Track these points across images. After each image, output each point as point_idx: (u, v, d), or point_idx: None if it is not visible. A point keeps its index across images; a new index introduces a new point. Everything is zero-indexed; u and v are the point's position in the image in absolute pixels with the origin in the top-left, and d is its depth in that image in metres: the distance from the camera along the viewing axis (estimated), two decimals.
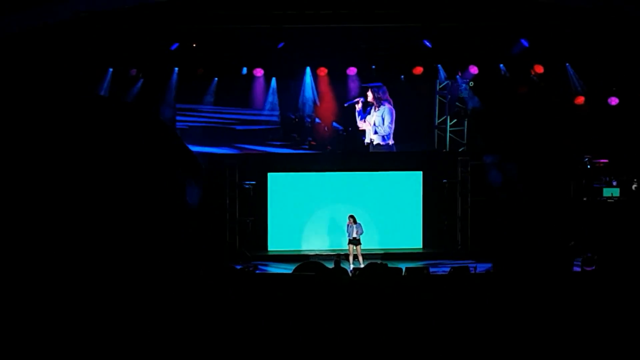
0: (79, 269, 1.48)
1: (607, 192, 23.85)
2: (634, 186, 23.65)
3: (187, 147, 1.67)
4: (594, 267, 19.40)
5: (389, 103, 24.18)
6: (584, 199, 24.01)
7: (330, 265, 19.48)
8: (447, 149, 25.48)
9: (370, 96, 24.13)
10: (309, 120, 25.10)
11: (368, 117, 24.27)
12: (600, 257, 19.05)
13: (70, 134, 1.51)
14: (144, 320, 1.57)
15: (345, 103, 24.44)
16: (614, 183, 23.86)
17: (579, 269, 19.51)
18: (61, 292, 1.49)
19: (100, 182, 1.47)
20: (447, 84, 25.16)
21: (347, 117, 24.87)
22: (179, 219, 1.61)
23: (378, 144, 24.25)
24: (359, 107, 24.20)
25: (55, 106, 1.53)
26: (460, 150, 25.41)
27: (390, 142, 24.27)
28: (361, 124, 24.43)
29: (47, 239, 1.46)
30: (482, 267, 18.35)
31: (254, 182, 24.82)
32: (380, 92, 24.06)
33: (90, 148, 1.50)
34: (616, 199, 23.73)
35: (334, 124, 25.04)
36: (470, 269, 16.13)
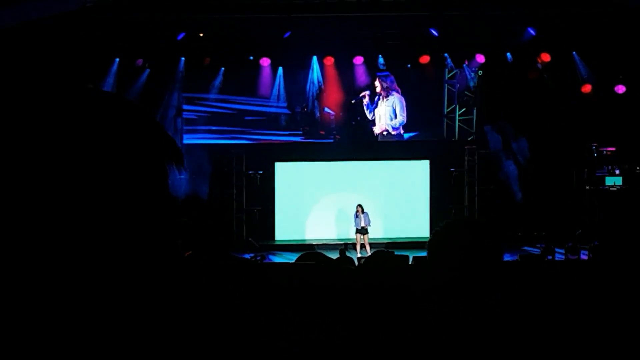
0: (71, 266, 1.48)
1: (609, 180, 23.82)
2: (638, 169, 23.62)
3: (167, 132, 1.66)
4: (576, 257, 19.42)
5: (398, 92, 24.14)
6: (587, 187, 24.00)
7: (336, 254, 19.52)
8: (456, 138, 25.44)
9: (378, 86, 24.07)
10: (317, 109, 25.06)
11: (377, 108, 24.23)
12: (600, 246, 19.01)
13: (46, 124, 1.50)
14: (136, 317, 1.56)
15: (353, 99, 24.41)
16: (617, 172, 23.84)
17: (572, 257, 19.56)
18: (49, 285, 1.49)
19: (82, 174, 1.46)
20: (456, 72, 25.11)
21: (354, 107, 24.83)
22: (166, 210, 1.60)
23: (389, 134, 24.22)
24: (366, 100, 24.16)
25: (32, 98, 1.53)
26: (469, 139, 25.37)
27: (401, 131, 24.26)
28: (371, 116, 24.40)
29: (35, 236, 1.46)
30: None
31: (261, 172, 24.84)
32: (388, 82, 24.03)
33: (68, 139, 1.49)
34: (619, 187, 23.69)
35: (341, 113, 25.01)
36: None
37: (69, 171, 1.38)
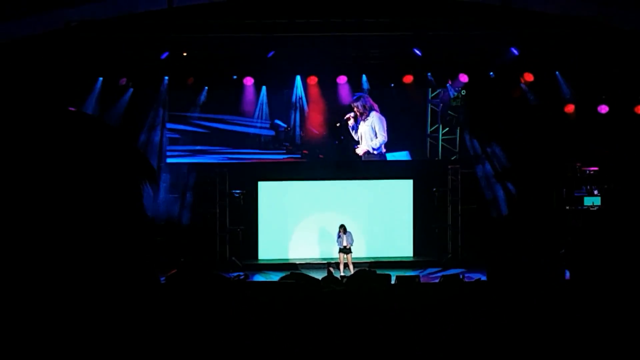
0: (49, 282, 1.47)
1: (588, 200, 23.93)
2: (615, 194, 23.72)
3: (141, 152, 1.65)
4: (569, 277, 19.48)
5: (376, 111, 24.10)
6: (567, 207, 24.07)
7: (322, 274, 19.49)
8: (440, 158, 25.49)
9: (355, 109, 24.02)
10: (300, 128, 25.06)
11: (359, 128, 24.24)
12: (566, 253, 19.10)
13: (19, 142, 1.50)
14: (110, 331, 1.55)
15: (337, 122, 24.40)
16: (595, 192, 23.93)
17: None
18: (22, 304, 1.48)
19: (52, 189, 1.46)
20: (439, 92, 25.18)
21: (338, 126, 24.84)
22: (139, 228, 1.59)
23: (371, 153, 24.20)
24: (351, 122, 24.12)
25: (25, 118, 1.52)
26: (452, 158, 25.44)
27: (383, 150, 24.25)
28: (357, 137, 24.39)
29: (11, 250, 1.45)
30: (473, 276, 18.38)
31: (244, 191, 24.81)
32: (362, 102, 23.97)
33: (41, 156, 1.48)
34: (597, 207, 23.78)
35: (325, 132, 25.01)
36: (462, 277, 16.17)
37: (42, 190, 1.37)
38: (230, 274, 20.84)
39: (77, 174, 1.47)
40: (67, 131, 1.52)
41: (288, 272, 21.71)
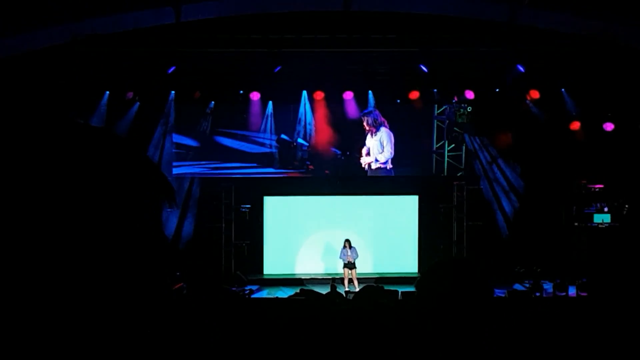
0: (66, 296, 1.49)
1: (597, 217, 23.90)
2: (625, 211, 23.72)
3: (159, 169, 1.67)
4: (564, 294, 19.49)
5: (385, 126, 24.16)
6: (575, 224, 24.06)
7: (326, 289, 19.48)
8: (445, 174, 25.50)
9: (364, 124, 24.06)
10: (306, 144, 25.07)
11: (367, 143, 24.26)
12: (588, 282, 19.07)
13: (44, 159, 1.51)
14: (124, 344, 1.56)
15: (348, 152, 24.58)
16: (606, 209, 23.91)
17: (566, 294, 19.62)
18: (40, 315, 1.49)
19: (77, 210, 1.47)
20: (445, 108, 25.19)
21: (345, 142, 24.88)
22: (157, 244, 1.61)
23: (378, 168, 24.21)
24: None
25: (32, 131, 1.53)
26: (458, 174, 25.45)
27: (389, 165, 24.26)
28: (364, 150, 24.42)
29: (26, 274, 1.47)
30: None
31: (249, 206, 24.81)
32: (372, 117, 24.01)
33: (66, 174, 1.50)
34: (607, 224, 23.76)
35: (332, 148, 25.01)
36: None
37: (65, 205, 1.39)
38: (235, 288, 20.87)
39: (100, 190, 1.48)
40: (93, 149, 1.53)
41: (293, 287, 21.80)
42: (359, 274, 23.06)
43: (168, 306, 1.67)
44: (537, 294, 19.65)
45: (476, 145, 25.17)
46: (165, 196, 1.65)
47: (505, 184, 24.74)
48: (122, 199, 1.54)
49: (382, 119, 24.10)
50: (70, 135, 1.57)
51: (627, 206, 23.69)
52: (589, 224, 23.87)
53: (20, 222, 1.47)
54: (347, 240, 23.16)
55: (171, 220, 23.57)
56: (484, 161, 25.09)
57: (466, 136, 25.00)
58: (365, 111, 24.12)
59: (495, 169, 24.90)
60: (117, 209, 1.53)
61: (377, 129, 23.99)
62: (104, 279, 1.52)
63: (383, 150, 24.04)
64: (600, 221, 23.88)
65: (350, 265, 22.86)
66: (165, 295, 1.66)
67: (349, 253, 22.93)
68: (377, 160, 24.09)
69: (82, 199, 1.50)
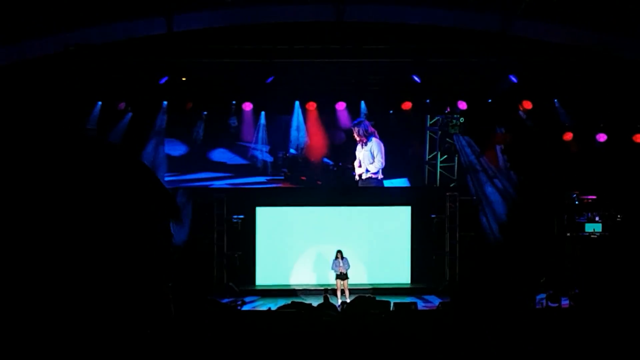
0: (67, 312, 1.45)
1: (589, 227, 23.93)
2: (617, 220, 23.76)
3: (165, 188, 1.63)
4: (557, 304, 19.50)
5: (376, 136, 24.17)
6: (568, 234, 24.07)
7: (319, 300, 19.43)
8: (438, 185, 25.51)
9: (355, 134, 24.06)
10: (298, 154, 25.05)
11: (357, 154, 24.27)
12: (580, 293, 19.09)
13: (53, 171, 1.48)
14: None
15: (340, 163, 24.56)
16: (597, 218, 23.93)
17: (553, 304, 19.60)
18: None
19: (83, 223, 1.44)
20: (438, 119, 25.21)
21: (337, 152, 24.88)
22: (163, 260, 1.57)
23: (369, 178, 24.19)
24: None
25: (42, 144, 1.50)
26: (451, 185, 25.47)
27: (380, 176, 24.24)
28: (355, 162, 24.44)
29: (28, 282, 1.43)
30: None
31: (242, 217, 24.76)
32: (363, 127, 24.01)
33: (74, 187, 1.46)
34: (599, 234, 23.79)
35: (324, 159, 25.00)
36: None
37: (64, 212, 1.35)
38: (227, 300, 20.81)
39: (113, 213, 1.45)
40: (103, 165, 1.50)
41: (285, 298, 21.74)
42: (352, 284, 23.01)
43: (165, 313, 1.63)
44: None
45: (469, 156, 25.14)
46: (171, 216, 1.62)
47: (497, 194, 24.71)
48: (133, 212, 1.51)
49: (373, 129, 24.09)
50: (85, 151, 1.54)
51: (619, 216, 23.71)
52: (580, 234, 23.91)
53: (18, 226, 1.44)
54: (339, 252, 23.11)
55: (183, 231, 23.48)
56: (477, 172, 25.05)
57: (458, 146, 24.98)
58: (355, 122, 24.08)
59: (487, 180, 24.87)
60: (126, 220, 1.50)
61: (368, 139, 23.99)
62: (101, 283, 1.48)
63: (374, 161, 24.02)
64: (592, 230, 23.91)
65: (342, 276, 22.82)
66: (163, 303, 1.62)
67: (341, 264, 22.88)
68: (367, 171, 24.07)
69: (89, 210, 1.46)
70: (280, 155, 25.11)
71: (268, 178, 25.12)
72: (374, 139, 24.05)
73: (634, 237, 23.05)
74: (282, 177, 25.23)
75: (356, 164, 24.32)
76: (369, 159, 24.11)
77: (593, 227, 23.86)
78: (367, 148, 24.04)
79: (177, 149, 24.86)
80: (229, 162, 25.10)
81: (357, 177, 24.31)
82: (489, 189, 24.92)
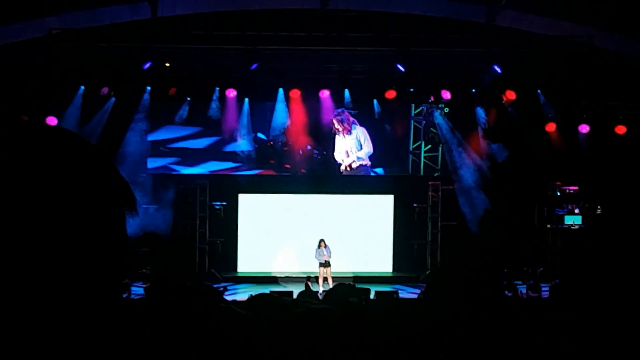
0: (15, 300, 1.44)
1: (568, 219, 24.06)
2: (597, 212, 23.91)
3: (122, 176, 1.62)
4: (537, 294, 19.59)
5: (356, 124, 24.21)
6: (548, 226, 24.18)
7: (301, 287, 19.47)
8: (422, 174, 25.52)
9: (337, 125, 24.06)
10: (282, 142, 24.98)
11: (341, 144, 24.26)
12: (560, 284, 19.18)
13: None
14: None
15: (324, 152, 24.66)
16: (577, 211, 24.06)
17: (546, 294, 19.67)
18: None
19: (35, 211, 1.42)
20: (422, 109, 25.21)
21: (321, 140, 24.84)
22: (117, 252, 1.56)
23: (359, 166, 24.24)
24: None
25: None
26: (435, 175, 25.48)
27: (368, 163, 24.30)
28: (338, 155, 24.46)
29: None
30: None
31: (224, 203, 24.74)
32: (345, 117, 24.03)
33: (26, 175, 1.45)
34: (579, 226, 23.92)
35: (308, 147, 24.95)
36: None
37: (22, 209, 1.35)
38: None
39: (61, 195, 1.43)
40: (49, 149, 1.48)
41: (267, 285, 21.77)
42: (334, 272, 23.04)
43: (115, 311, 1.62)
44: (509, 295, 19.67)
45: (452, 145, 25.13)
46: (127, 204, 1.60)
47: (480, 184, 24.71)
48: (77, 199, 1.49)
49: (353, 118, 24.16)
50: (39, 139, 1.52)
51: (599, 208, 23.83)
52: (559, 226, 24.04)
53: None
54: (322, 240, 23.14)
55: (153, 218, 23.39)
56: (459, 161, 25.04)
57: (441, 135, 24.99)
58: (336, 112, 24.09)
59: (471, 169, 24.86)
60: (70, 208, 1.48)
61: (352, 128, 24.01)
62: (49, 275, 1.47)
63: (362, 147, 24.07)
64: (572, 222, 24.04)
65: (325, 264, 22.84)
66: (113, 300, 1.61)
67: (325, 252, 22.91)
68: (359, 158, 24.14)
69: (48, 205, 1.45)
70: (264, 142, 25.04)
71: (251, 165, 25.03)
72: (357, 126, 24.08)
73: (614, 229, 23.15)
74: (265, 165, 25.17)
75: (339, 154, 24.34)
76: (356, 146, 24.15)
77: (573, 220, 23.99)
78: (352, 137, 24.07)
79: (159, 135, 24.75)
80: (212, 149, 25.00)
81: (344, 168, 24.34)
82: (471, 179, 24.90)
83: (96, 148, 1.55)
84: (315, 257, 23.13)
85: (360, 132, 24.16)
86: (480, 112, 24.53)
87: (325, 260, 22.89)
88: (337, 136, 24.36)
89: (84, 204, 1.46)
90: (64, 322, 1.42)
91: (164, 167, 24.90)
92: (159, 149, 24.84)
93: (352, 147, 24.27)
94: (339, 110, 24.16)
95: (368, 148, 24.22)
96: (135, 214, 1.54)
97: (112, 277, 1.50)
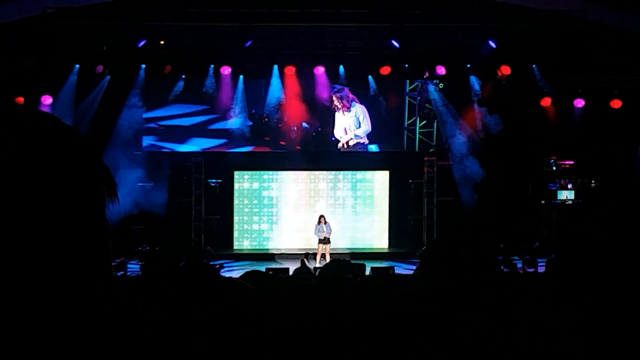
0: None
1: (561, 194, 24.12)
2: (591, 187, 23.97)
3: (103, 161, 1.64)
4: (534, 269, 19.63)
5: (356, 101, 24.22)
6: (542, 201, 24.22)
7: (297, 264, 19.49)
8: (417, 150, 25.50)
9: (336, 102, 24.06)
10: (277, 119, 24.95)
11: (340, 121, 24.26)
12: (556, 258, 19.21)
13: None
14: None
15: (318, 129, 24.64)
16: (569, 186, 24.11)
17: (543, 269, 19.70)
18: None
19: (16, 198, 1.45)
20: (417, 85, 25.18)
21: (316, 117, 24.81)
22: (98, 235, 1.58)
23: (356, 144, 24.28)
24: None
25: None
26: (430, 151, 25.47)
27: (366, 141, 24.34)
28: (337, 131, 24.50)
29: None
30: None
31: (220, 180, 24.74)
32: (343, 94, 24.03)
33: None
34: (572, 201, 23.97)
35: (303, 123, 24.92)
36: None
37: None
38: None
39: (40, 178, 1.46)
40: (32, 132, 1.51)
41: (263, 262, 21.79)
42: (331, 249, 23.06)
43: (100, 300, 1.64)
44: (506, 270, 19.72)
45: (447, 118, 25.11)
46: (106, 189, 1.62)
47: (475, 160, 24.68)
48: (59, 187, 1.52)
49: (353, 95, 24.15)
50: (20, 122, 1.54)
51: (593, 182, 23.86)
52: (553, 201, 24.09)
53: None
54: (322, 216, 23.14)
55: (149, 195, 23.37)
56: (454, 137, 25.02)
57: (436, 110, 24.99)
58: (335, 89, 24.08)
59: (466, 145, 24.84)
60: (52, 197, 1.51)
61: (351, 105, 24.02)
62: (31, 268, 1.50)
63: (360, 125, 24.09)
64: (565, 197, 24.10)
65: (325, 241, 22.84)
66: (97, 289, 1.63)
67: (324, 229, 22.91)
68: (356, 136, 24.15)
69: (28, 187, 1.47)
70: (259, 119, 25.00)
71: (246, 142, 24.99)
72: (356, 104, 24.09)
73: (608, 203, 23.19)
74: (260, 142, 25.13)
75: (338, 131, 24.35)
76: (354, 124, 24.16)
77: (566, 194, 24.04)
78: (351, 114, 24.08)
79: (155, 112, 24.71)
80: (207, 126, 24.97)
81: (342, 145, 24.36)
82: (464, 147, 24.86)
83: (77, 133, 1.57)
84: (315, 234, 23.14)
85: (359, 110, 24.17)
86: (474, 81, 24.51)
87: (325, 237, 22.88)
88: (336, 113, 24.38)
89: (64, 188, 1.48)
90: (48, 306, 1.45)
91: (159, 145, 24.88)
92: (154, 126, 24.81)
93: (350, 125, 24.28)
94: (339, 87, 24.16)
95: (366, 126, 24.24)
96: (115, 199, 1.56)
97: (94, 260, 1.52)
